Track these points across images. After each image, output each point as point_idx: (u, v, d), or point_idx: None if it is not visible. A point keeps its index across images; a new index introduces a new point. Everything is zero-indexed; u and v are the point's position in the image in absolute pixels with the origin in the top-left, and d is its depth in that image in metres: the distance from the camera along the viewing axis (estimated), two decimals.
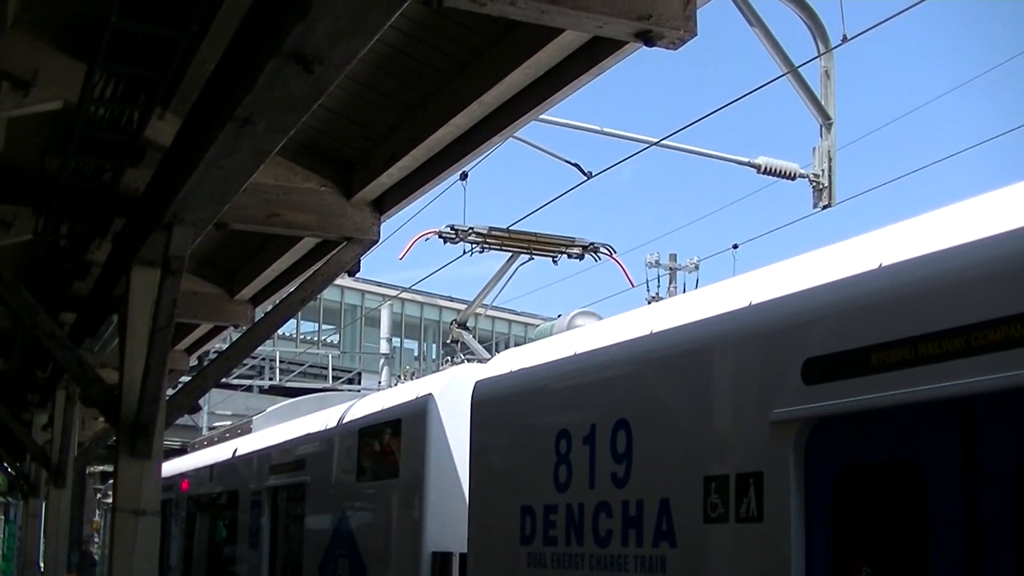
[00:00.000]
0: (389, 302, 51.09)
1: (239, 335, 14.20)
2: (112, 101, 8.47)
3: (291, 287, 13.48)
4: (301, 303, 11.70)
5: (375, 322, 57.40)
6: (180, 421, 40.46)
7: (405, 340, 70.00)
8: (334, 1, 5.28)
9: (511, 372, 10.25)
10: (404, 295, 57.03)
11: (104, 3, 7.08)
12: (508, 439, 10.17)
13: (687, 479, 7.58)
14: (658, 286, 32.99)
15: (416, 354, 70.62)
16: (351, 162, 10.84)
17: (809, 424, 6.65)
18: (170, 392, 14.02)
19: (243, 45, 6.54)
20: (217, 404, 47.06)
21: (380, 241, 11.18)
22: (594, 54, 7.49)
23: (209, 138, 7.09)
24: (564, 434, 9.01)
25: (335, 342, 66.78)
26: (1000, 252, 5.76)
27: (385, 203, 10.93)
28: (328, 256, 11.68)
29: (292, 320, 65.11)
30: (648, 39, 6.60)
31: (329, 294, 62.88)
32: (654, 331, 8.40)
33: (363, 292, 65.39)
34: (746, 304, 7.44)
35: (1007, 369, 5.48)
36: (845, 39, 15.43)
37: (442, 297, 67.48)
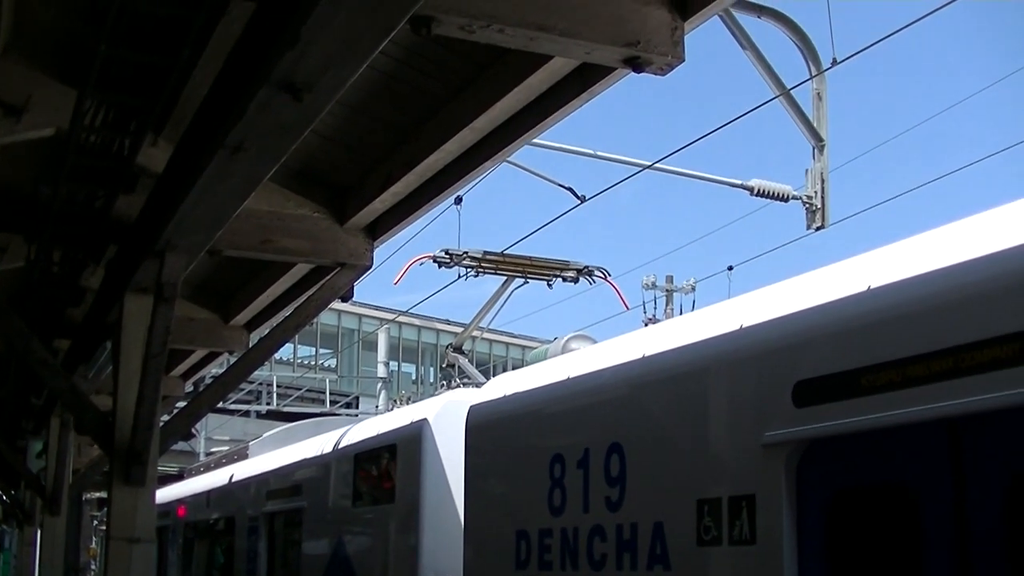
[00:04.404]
0: (386, 326, 51.00)
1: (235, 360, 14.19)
2: (103, 129, 8.49)
3: (286, 312, 13.48)
4: (295, 329, 11.70)
5: (372, 346, 57.23)
6: (177, 447, 40.44)
7: (403, 364, 69.93)
8: (323, 30, 5.30)
9: (505, 396, 10.25)
10: (401, 319, 56.93)
11: (94, 31, 7.11)
12: (503, 463, 10.17)
13: (680, 502, 7.58)
14: (655, 308, 33.01)
15: (414, 378, 70.56)
16: (344, 188, 10.86)
17: (800, 447, 6.66)
18: (166, 418, 14.02)
19: (234, 73, 6.56)
20: (215, 429, 47.00)
21: (376, 266, 11.19)
22: (584, 79, 7.50)
23: (201, 165, 7.10)
24: (558, 458, 9.01)
25: (332, 366, 66.72)
26: (987, 273, 5.78)
27: (378, 228, 10.94)
28: (322, 282, 11.69)
29: (289, 344, 65.16)
30: (636, 65, 6.63)
31: (326, 318, 62.81)
32: (646, 355, 8.42)
33: (360, 316, 65.36)
34: (737, 327, 7.46)
35: (994, 390, 5.50)
36: (835, 62, 15.53)
37: (439, 320, 67.44)
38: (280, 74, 5.66)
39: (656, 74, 6.68)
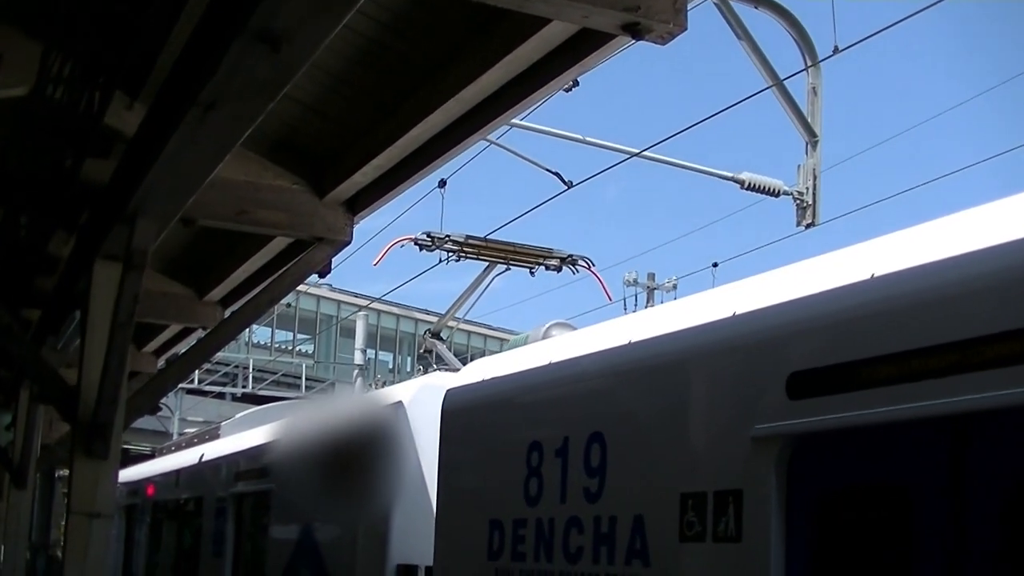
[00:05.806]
0: (364, 312, 50.71)
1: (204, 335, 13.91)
2: (69, 82, 8.17)
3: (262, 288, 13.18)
4: (269, 304, 11.41)
5: (350, 333, 56.83)
6: (151, 426, 40.26)
7: (380, 352, 69.71)
8: None
9: (483, 381, 9.95)
10: (381, 307, 56.69)
11: None
12: (478, 450, 9.87)
13: (663, 496, 7.28)
14: (635, 305, 32.82)
15: (391, 366, 70.33)
16: (324, 160, 10.55)
17: (792, 441, 6.37)
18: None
19: (209, 26, 6.26)
20: (189, 410, 46.88)
21: (356, 248, 10.96)
22: (577, 49, 7.20)
23: (172, 126, 6.80)
24: (536, 446, 8.72)
25: (309, 351, 66.45)
26: (999, 264, 5.48)
27: (358, 203, 10.64)
28: (299, 257, 11.38)
29: (267, 328, 64.96)
30: (636, 32, 6.34)
31: (305, 303, 62.61)
32: (632, 341, 8.11)
33: (339, 303, 65.13)
34: (729, 315, 7.15)
35: (1003, 388, 5.20)
36: (836, 50, 15.26)
37: (419, 310, 67.23)
38: (257, 23, 5.38)
39: (656, 43, 6.39)
